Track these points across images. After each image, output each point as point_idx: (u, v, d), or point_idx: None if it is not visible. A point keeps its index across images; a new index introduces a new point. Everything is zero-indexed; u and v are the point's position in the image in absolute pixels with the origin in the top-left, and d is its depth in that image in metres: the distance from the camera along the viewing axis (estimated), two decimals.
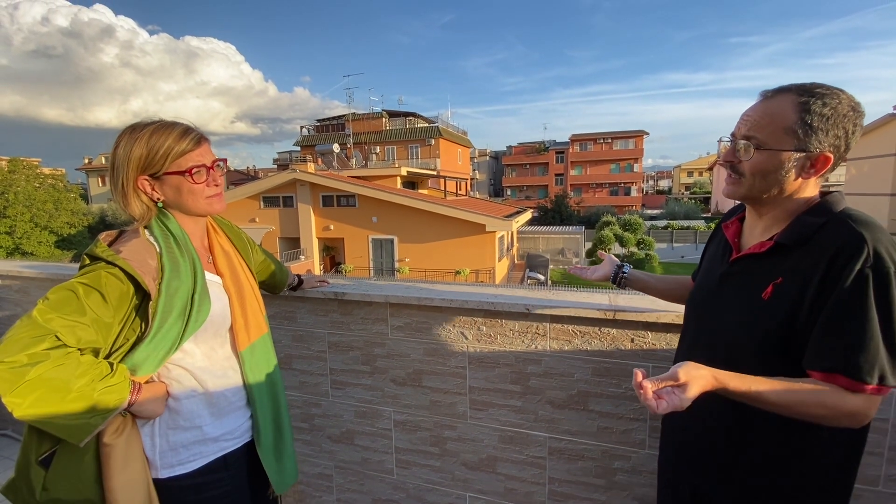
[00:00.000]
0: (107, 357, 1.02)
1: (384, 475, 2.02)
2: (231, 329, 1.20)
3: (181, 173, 1.11)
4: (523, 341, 1.68)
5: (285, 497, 2.25)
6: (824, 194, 0.99)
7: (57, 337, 0.91)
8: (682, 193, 64.84)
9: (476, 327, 1.75)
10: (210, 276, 1.19)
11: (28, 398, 0.88)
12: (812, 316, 0.88)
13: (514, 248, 27.11)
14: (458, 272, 18.77)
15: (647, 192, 68.64)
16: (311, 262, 21.02)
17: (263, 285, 1.68)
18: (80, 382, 0.93)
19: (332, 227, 21.40)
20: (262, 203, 22.45)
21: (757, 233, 1.04)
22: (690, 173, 71.63)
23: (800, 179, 0.94)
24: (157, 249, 1.09)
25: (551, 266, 26.02)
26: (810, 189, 0.97)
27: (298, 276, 1.92)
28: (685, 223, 38.29)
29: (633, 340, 1.55)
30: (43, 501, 1.01)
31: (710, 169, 57.79)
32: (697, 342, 1.12)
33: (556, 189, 51.29)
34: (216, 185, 1.19)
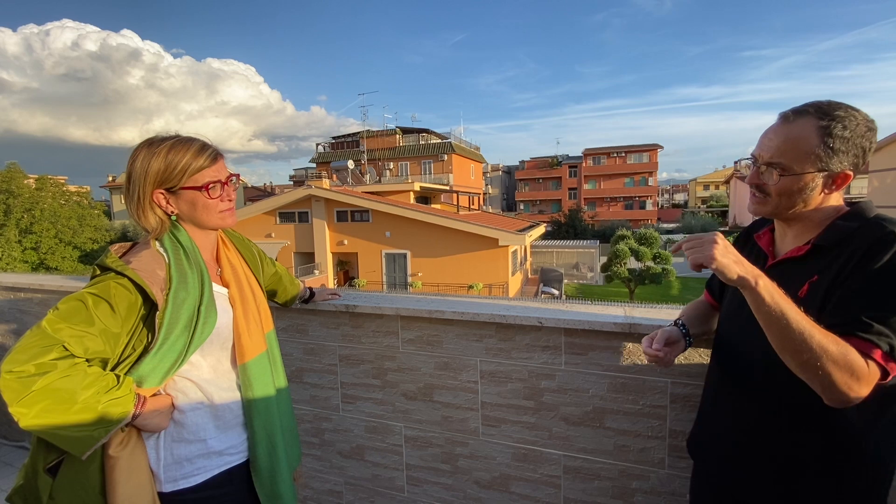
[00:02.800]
0: (114, 368, 1.02)
1: (395, 493, 1.97)
2: (233, 342, 1.18)
3: (198, 188, 1.12)
4: (536, 355, 1.64)
5: None
6: (852, 203, 1.02)
7: (65, 347, 0.91)
8: (699, 207, 63.95)
9: (488, 341, 1.71)
10: (217, 288, 1.18)
11: (34, 408, 0.88)
12: (837, 295, 0.91)
13: (528, 263, 26.96)
14: (471, 286, 18.68)
15: (662, 206, 67.84)
16: (325, 277, 21.16)
17: (275, 298, 1.68)
18: (86, 394, 0.92)
19: (346, 241, 21.58)
20: (278, 218, 22.80)
21: (788, 241, 1.08)
22: (707, 186, 70.84)
23: (823, 194, 1.00)
24: (167, 260, 1.09)
25: (566, 280, 25.75)
26: (834, 200, 1.02)
27: (311, 288, 1.92)
28: None
29: None
30: None
31: (727, 182, 57.07)
32: (736, 350, 1.13)
33: (569, 203, 51.05)
34: (229, 200, 1.20)
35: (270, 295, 1.63)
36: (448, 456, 1.84)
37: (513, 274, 20.37)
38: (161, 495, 1.09)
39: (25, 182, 23.79)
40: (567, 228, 39.14)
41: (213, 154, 1.15)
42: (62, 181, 27.18)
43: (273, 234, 22.71)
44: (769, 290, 0.88)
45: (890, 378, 0.87)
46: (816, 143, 0.94)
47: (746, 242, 1.21)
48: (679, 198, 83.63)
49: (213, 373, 1.17)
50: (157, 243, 1.12)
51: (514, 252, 20.88)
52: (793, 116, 0.98)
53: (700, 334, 1.30)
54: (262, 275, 1.44)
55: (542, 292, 21.42)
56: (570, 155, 57.84)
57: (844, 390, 0.86)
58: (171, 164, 1.09)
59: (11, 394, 0.87)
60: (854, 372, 0.85)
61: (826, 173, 0.96)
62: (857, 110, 0.94)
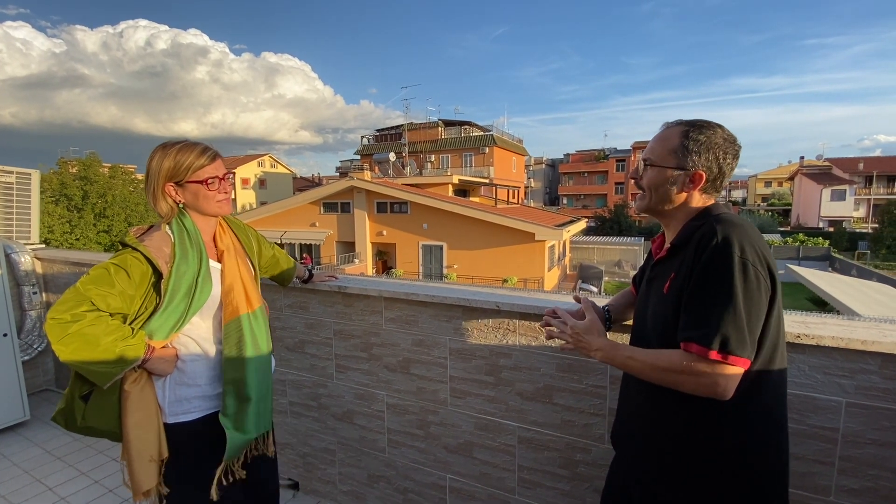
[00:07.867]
0: (131, 322, 1.31)
1: (378, 453, 2.23)
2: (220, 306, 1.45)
3: (199, 182, 1.39)
4: (496, 336, 1.83)
5: (296, 467, 2.52)
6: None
7: (92, 302, 1.21)
8: (759, 205, 60.01)
9: (456, 322, 1.92)
10: (214, 265, 1.46)
11: (69, 347, 1.18)
12: (683, 297, 1.03)
13: (567, 259, 26.57)
14: (505, 280, 18.74)
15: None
16: (364, 266, 21.89)
17: (273, 277, 1.96)
18: (107, 339, 1.22)
19: (384, 232, 22.19)
20: (322, 208, 23.77)
21: (668, 241, 1.21)
22: (768, 183, 66.15)
23: (683, 193, 1.13)
24: (172, 240, 1.37)
25: (606, 278, 25.17)
26: (697, 201, 1.14)
27: (310, 269, 2.19)
28: None
29: None
30: (82, 427, 1.32)
31: (791, 179, 53.18)
32: (636, 333, 1.29)
33: (615, 198, 49.50)
34: (225, 193, 1.47)
35: (270, 274, 1.91)
36: (422, 422, 2.07)
37: (549, 269, 20.22)
38: (166, 426, 1.39)
39: (101, 170, 26.10)
40: (611, 224, 38.05)
41: (212, 155, 1.42)
42: (132, 170, 29.54)
43: (317, 224, 23.71)
44: (610, 357, 1.15)
45: (748, 364, 0.96)
46: (678, 144, 1.10)
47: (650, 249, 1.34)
48: (737, 195, 78.91)
49: (209, 333, 1.46)
50: (167, 226, 1.41)
51: (552, 247, 20.69)
52: (670, 125, 1.15)
53: (622, 320, 1.45)
54: (259, 256, 1.72)
55: (580, 289, 21.11)
56: (617, 148, 55.93)
57: (698, 389, 0.98)
58: (179, 163, 1.37)
59: (53, 334, 1.18)
60: (691, 373, 0.97)
61: (683, 171, 1.10)
62: (720, 126, 1.09)
